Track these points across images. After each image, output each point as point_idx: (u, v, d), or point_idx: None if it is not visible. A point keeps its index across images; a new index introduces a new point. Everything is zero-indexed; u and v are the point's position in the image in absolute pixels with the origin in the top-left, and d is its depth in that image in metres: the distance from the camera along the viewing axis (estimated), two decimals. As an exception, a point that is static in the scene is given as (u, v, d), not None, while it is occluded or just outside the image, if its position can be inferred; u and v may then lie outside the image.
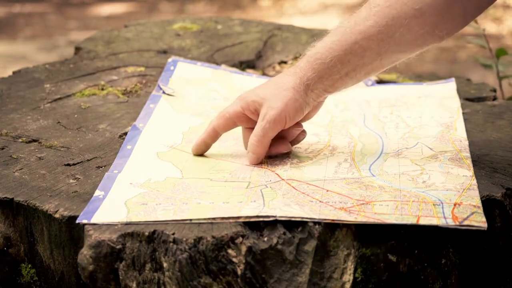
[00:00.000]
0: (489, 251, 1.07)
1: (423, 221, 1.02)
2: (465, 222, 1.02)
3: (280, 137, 1.23)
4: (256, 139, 1.20)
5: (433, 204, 1.06)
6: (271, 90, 1.21)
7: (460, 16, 1.18)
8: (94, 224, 1.05)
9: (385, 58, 1.20)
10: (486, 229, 1.01)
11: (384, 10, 1.17)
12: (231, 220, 1.03)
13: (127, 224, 1.04)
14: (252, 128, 1.22)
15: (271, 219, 1.03)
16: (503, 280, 1.09)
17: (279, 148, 1.24)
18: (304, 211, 1.05)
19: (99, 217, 1.05)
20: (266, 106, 1.20)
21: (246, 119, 1.23)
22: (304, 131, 1.25)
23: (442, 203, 1.06)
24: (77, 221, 1.05)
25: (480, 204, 1.06)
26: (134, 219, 1.04)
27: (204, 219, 1.04)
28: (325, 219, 1.03)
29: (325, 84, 1.20)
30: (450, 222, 1.02)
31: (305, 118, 1.25)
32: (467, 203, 1.06)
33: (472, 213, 1.03)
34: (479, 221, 1.02)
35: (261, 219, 1.03)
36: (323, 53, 1.19)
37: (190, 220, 1.04)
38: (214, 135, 1.25)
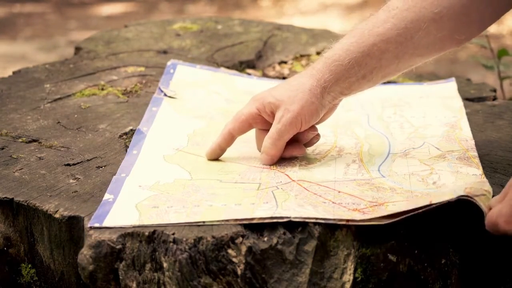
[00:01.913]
0: (489, 251, 1.07)
1: (435, 200, 1.00)
2: (476, 199, 1.00)
3: (294, 140, 1.22)
4: (271, 141, 1.19)
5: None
6: (287, 92, 1.20)
7: (477, 21, 1.18)
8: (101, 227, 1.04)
9: (402, 62, 1.19)
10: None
11: (402, 13, 1.17)
12: (245, 222, 1.03)
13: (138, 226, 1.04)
14: (267, 130, 1.21)
15: (285, 220, 1.02)
16: (503, 280, 1.09)
17: (293, 151, 1.23)
18: (318, 212, 1.04)
19: (110, 221, 1.05)
20: (282, 109, 1.19)
21: (262, 120, 1.22)
22: (318, 135, 1.24)
23: (454, 190, 1.05)
24: (89, 225, 1.04)
25: (490, 190, 1.03)
26: (147, 222, 1.04)
27: (218, 221, 1.03)
28: (340, 220, 1.02)
29: (342, 86, 1.19)
30: (461, 193, 1.00)
31: (320, 121, 1.24)
32: (478, 187, 1.05)
33: (483, 195, 1.02)
34: (487, 205, 1.02)
35: (275, 220, 1.02)
36: (341, 55, 1.18)
37: (204, 222, 1.04)
38: (230, 139, 1.23)
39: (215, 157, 1.24)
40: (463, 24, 1.17)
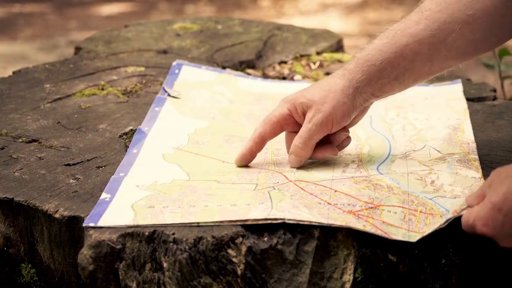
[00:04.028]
0: (489, 251, 1.07)
1: (428, 231, 1.02)
2: (462, 212, 1.01)
3: (326, 142, 1.20)
4: (301, 141, 1.18)
5: (440, 216, 1.05)
6: (319, 92, 1.18)
7: (511, 23, 1.17)
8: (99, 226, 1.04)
9: (435, 64, 1.18)
10: None
11: (435, 15, 1.16)
12: (239, 223, 1.03)
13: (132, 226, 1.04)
14: (296, 132, 1.20)
15: (279, 221, 1.02)
16: (503, 280, 1.09)
17: (326, 152, 1.21)
18: (313, 215, 1.04)
19: (106, 220, 1.05)
20: (313, 109, 1.17)
21: (293, 122, 1.21)
22: (349, 137, 1.22)
23: (448, 211, 1.06)
24: (84, 225, 1.04)
25: None
26: (141, 222, 1.04)
27: (212, 222, 1.03)
28: (333, 224, 1.02)
29: (374, 87, 1.18)
30: (449, 216, 1.02)
31: (351, 124, 1.22)
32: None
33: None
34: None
35: (269, 221, 1.02)
36: (373, 55, 1.17)
37: (198, 223, 1.03)
38: (261, 142, 1.21)
39: (245, 163, 1.21)
40: (496, 26, 1.16)
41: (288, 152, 1.22)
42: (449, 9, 1.16)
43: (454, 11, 1.16)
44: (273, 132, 1.21)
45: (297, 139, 1.18)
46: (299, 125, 1.20)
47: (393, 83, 1.19)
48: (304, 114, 1.19)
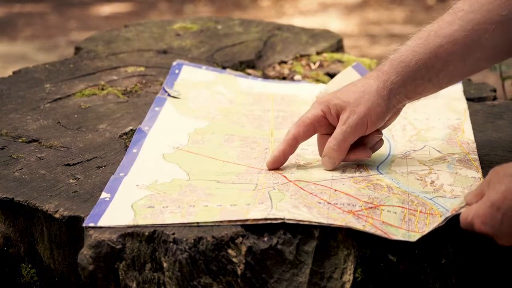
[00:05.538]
0: (489, 251, 1.07)
1: (428, 230, 1.02)
2: (461, 210, 1.02)
3: (359, 144, 1.19)
4: (336, 143, 1.17)
5: (440, 216, 1.05)
6: (353, 94, 1.18)
7: None
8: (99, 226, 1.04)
9: (468, 65, 1.18)
10: None
11: (468, 15, 1.16)
12: (239, 223, 1.03)
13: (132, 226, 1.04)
14: (329, 135, 1.19)
15: (279, 221, 1.02)
16: (503, 281, 1.09)
17: (359, 154, 1.20)
18: (313, 214, 1.04)
19: (105, 220, 1.05)
20: (348, 110, 1.16)
21: (326, 124, 1.19)
22: (382, 140, 1.21)
23: (448, 211, 1.06)
24: (84, 225, 1.04)
25: None
26: (141, 222, 1.04)
27: (212, 222, 1.03)
28: (333, 224, 1.02)
29: (408, 89, 1.18)
30: (448, 215, 1.03)
31: (384, 126, 1.21)
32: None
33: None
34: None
35: (269, 221, 1.02)
36: (407, 56, 1.17)
37: (198, 223, 1.03)
38: (294, 144, 1.19)
39: (278, 166, 1.20)
40: None
41: (320, 154, 1.21)
42: (482, 10, 1.16)
43: (488, 11, 1.15)
44: (307, 133, 1.20)
45: (331, 141, 1.17)
46: (333, 127, 1.19)
47: (426, 85, 1.18)
48: (338, 116, 1.18)
